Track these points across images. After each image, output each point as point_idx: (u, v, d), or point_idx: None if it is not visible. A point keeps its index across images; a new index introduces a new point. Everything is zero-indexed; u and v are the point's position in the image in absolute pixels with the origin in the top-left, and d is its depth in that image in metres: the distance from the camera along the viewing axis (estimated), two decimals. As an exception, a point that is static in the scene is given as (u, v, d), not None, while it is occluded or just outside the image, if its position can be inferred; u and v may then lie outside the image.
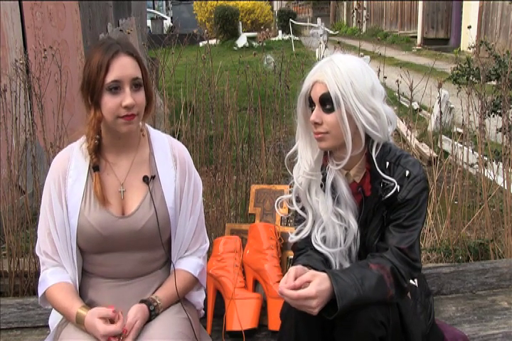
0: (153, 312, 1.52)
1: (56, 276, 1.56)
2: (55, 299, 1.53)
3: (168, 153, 1.62)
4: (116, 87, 1.45)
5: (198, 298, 1.75)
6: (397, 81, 2.78)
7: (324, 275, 1.43)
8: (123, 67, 1.46)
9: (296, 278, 1.43)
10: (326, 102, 1.49)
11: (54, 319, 1.63)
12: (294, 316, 1.47)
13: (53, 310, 1.65)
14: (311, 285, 1.40)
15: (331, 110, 1.49)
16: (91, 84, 1.46)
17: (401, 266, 1.51)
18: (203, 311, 1.82)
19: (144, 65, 1.54)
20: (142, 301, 1.53)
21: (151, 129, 1.67)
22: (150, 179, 1.57)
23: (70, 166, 1.56)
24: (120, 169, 1.58)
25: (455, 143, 3.02)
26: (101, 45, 1.50)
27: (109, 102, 1.45)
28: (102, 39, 1.58)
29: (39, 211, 1.62)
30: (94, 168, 1.55)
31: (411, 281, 1.61)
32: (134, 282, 1.58)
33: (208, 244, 1.75)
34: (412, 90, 2.79)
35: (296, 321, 1.49)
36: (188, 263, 1.65)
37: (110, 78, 1.45)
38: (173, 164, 1.61)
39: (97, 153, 1.56)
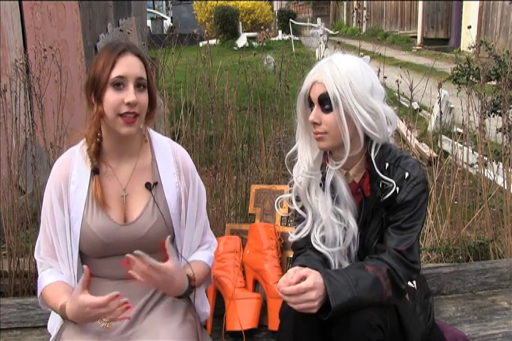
0: (189, 289, 1.52)
1: (53, 276, 1.56)
2: (48, 297, 1.52)
3: (171, 159, 1.61)
4: (120, 83, 1.45)
5: (205, 308, 1.74)
6: (397, 81, 2.78)
7: (318, 273, 1.44)
8: (129, 65, 1.47)
9: None
10: (325, 102, 1.49)
11: (53, 323, 1.63)
12: (293, 315, 1.48)
13: (52, 314, 1.64)
14: (309, 278, 1.41)
15: (329, 110, 1.50)
16: (96, 79, 1.46)
17: (398, 268, 1.51)
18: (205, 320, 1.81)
19: (149, 68, 1.54)
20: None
21: (153, 134, 1.66)
22: (152, 186, 1.57)
23: (71, 172, 1.55)
24: (122, 174, 1.57)
25: (455, 143, 3.02)
26: (108, 45, 1.51)
27: (111, 97, 1.45)
28: (110, 42, 1.58)
29: (39, 211, 1.62)
30: (95, 171, 1.54)
31: (409, 283, 1.61)
32: (134, 281, 1.58)
33: (215, 240, 1.76)
34: (412, 90, 2.79)
35: (294, 320, 1.49)
36: (202, 255, 1.66)
37: (115, 73, 1.45)
38: (175, 170, 1.60)
39: (97, 157, 1.55)
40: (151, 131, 1.67)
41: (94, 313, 1.38)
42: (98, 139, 1.53)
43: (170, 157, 1.62)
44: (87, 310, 1.38)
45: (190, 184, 1.62)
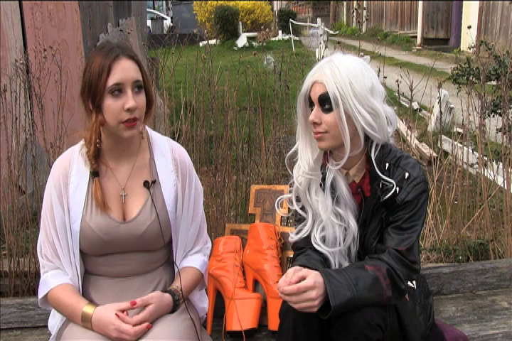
0: (176, 303, 1.55)
1: (58, 278, 1.56)
2: (59, 298, 1.53)
3: (169, 157, 1.62)
4: (118, 90, 1.45)
5: (203, 303, 1.75)
6: (397, 81, 2.78)
7: (318, 272, 1.45)
8: (125, 70, 1.46)
9: None
10: (325, 102, 1.50)
11: (53, 321, 1.63)
12: (293, 315, 1.48)
13: (52, 313, 1.65)
14: (309, 277, 1.42)
15: (329, 110, 1.50)
16: (92, 87, 1.46)
17: (398, 268, 1.51)
18: (204, 315, 1.82)
19: (144, 68, 1.54)
20: (165, 291, 1.55)
21: (151, 132, 1.67)
22: (151, 184, 1.57)
23: (71, 171, 1.56)
24: (121, 174, 1.58)
25: (455, 143, 3.02)
26: (101, 49, 1.49)
27: (111, 105, 1.45)
28: (101, 43, 1.57)
29: (39, 211, 1.62)
30: (94, 173, 1.55)
31: (409, 283, 1.61)
32: (133, 278, 1.59)
33: (210, 243, 1.76)
34: (412, 90, 2.79)
35: (294, 320, 1.49)
36: (195, 260, 1.67)
37: (112, 81, 1.44)
38: (173, 168, 1.61)
39: (96, 159, 1.56)
40: (150, 130, 1.67)
41: (116, 336, 1.44)
42: (98, 145, 1.53)
43: (168, 154, 1.63)
44: (112, 328, 1.44)
45: (187, 181, 1.63)
